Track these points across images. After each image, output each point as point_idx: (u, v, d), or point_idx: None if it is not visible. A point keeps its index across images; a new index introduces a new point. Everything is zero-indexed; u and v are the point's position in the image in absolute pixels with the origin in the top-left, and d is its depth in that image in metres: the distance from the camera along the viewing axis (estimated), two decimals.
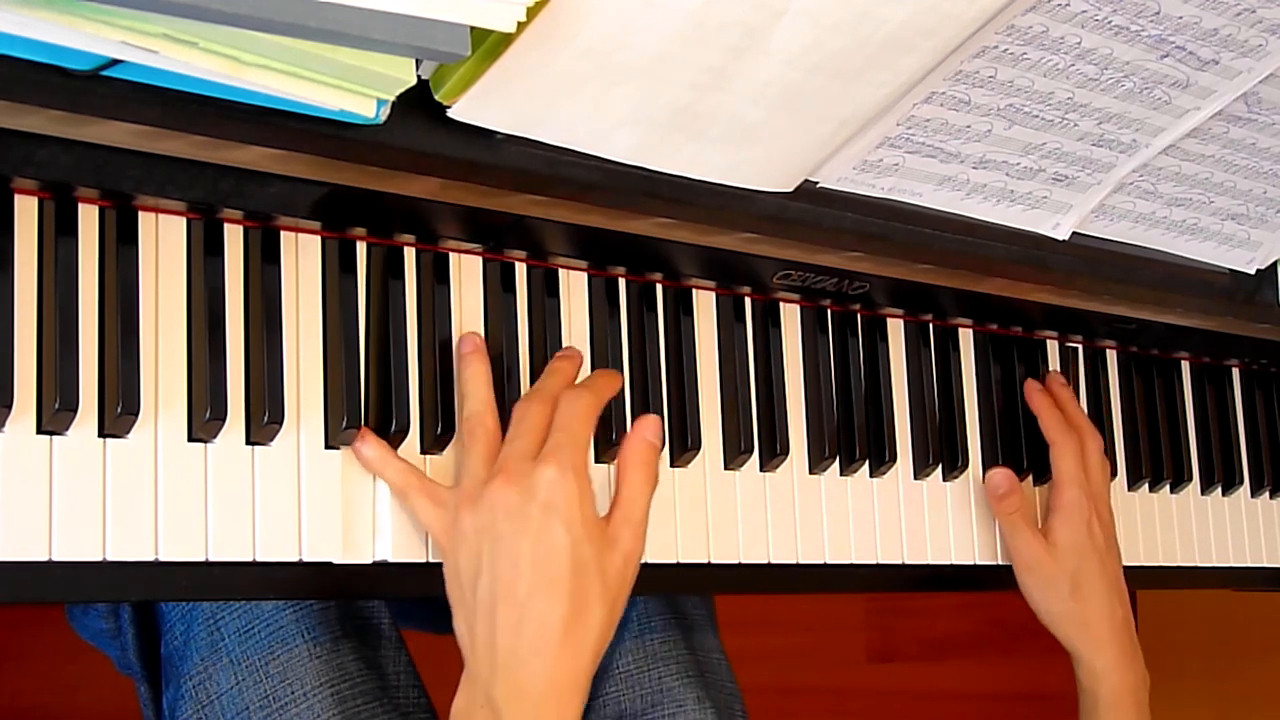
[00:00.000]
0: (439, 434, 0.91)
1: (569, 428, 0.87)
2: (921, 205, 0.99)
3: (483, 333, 0.95)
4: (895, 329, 1.17)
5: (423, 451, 0.91)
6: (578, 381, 0.93)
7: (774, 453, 1.06)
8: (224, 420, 0.84)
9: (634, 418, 1.00)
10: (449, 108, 0.78)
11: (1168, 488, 1.32)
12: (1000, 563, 1.17)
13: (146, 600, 1.01)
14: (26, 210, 0.80)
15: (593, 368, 0.99)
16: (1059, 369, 1.26)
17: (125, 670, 1.05)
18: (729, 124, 0.85)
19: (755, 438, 1.06)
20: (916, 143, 0.93)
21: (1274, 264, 1.20)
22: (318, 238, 0.90)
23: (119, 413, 0.80)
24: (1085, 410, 1.26)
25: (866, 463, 1.12)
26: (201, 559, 0.83)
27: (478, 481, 0.86)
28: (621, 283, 1.02)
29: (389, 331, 0.91)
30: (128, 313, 0.82)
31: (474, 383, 0.91)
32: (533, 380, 0.96)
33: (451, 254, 0.95)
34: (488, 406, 0.90)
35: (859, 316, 1.14)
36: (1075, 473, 1.15)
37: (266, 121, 0.73)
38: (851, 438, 1.11)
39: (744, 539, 1.04)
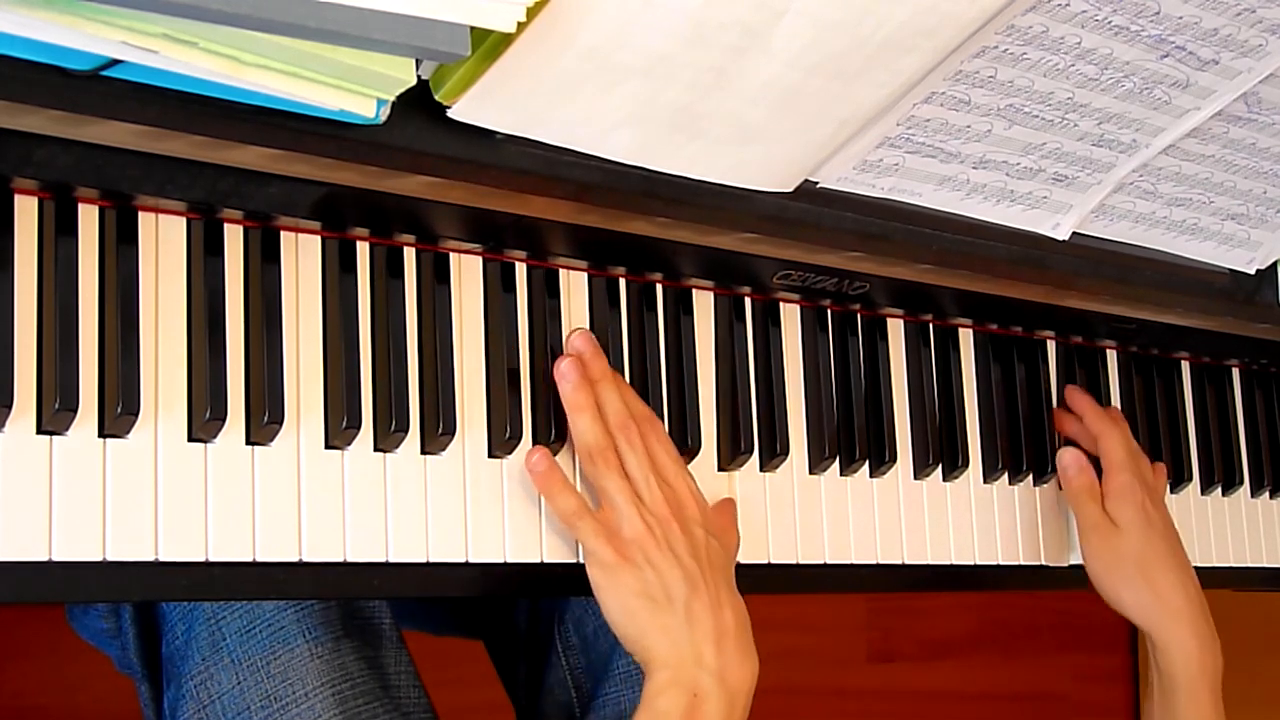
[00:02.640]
0: (439, 434, 0.91)
1: (686, 491, 0.97)
2: (921, 205, 0.99)
3: (483, 333, 0.95)
4: (895, 329, 1.17)
5: (423, 452, 0.91)
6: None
7: (774, 453, 1.06)
8: (224, 420, 0.84)
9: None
10: (449, 108, 0.78)
11: (1168, 488, 1.32)
12: (1000, 563, 1.17)
13: (147, 600, 1.01)
14: (26, 210, 0.80)
15: None
16: (1059, 369, 1.26)
17: (125, 670, 1.05)
18: (729, 124, 0.85)
19: (755, 438, 1.06)
20: (916, 143, 0.93)
21: (1274, 264, 1.20)
22: (318, 238, 0.90)
23: (119, 413, 0.80)
24: None
25: (866, 463, 1.12)
26: (201, 559, 0.83)
27: (637, 514, 0.93)
28: (621, 283, 1.02)
29: (389, 331, 0.91)
30: (128, 313, 0.82)
31: (586, 412, 0.95)
32: (533, 381, 0.96)
33: (451, 254, 0.95)
34: (606, 436, 0.95)
35: (859, 316, 1.14)
36: (1124, 458, 1.18)
37: (266, 121, 0.73)
38: (851, 438, 1.11)
39: (745, 539, 1.04)
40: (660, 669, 0.91)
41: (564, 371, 0.95)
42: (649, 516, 0.93)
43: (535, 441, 0.96)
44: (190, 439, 0.84)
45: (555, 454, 0.96)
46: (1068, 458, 1.19)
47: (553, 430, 0.96)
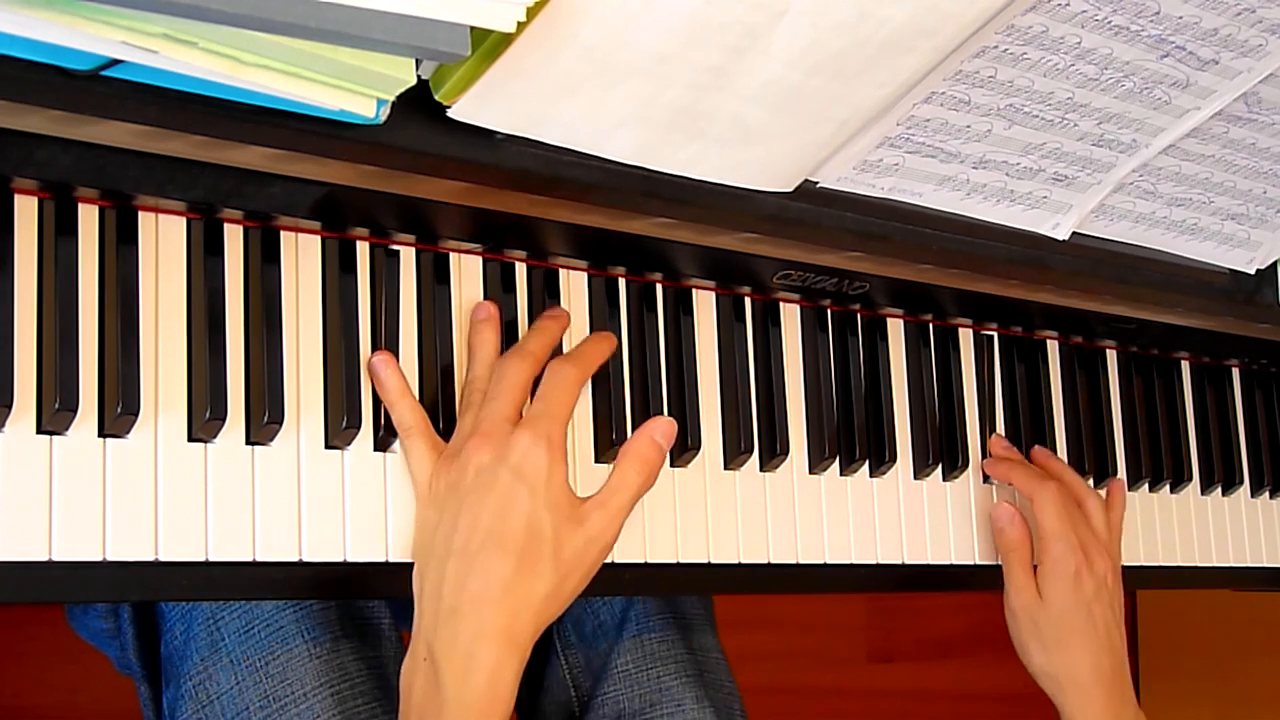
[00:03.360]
0: (439, 433, 0.91)
1: (551, 397, 0.88)
2: (921, 205, 0.99)
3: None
4: (895, 329, 1.17)
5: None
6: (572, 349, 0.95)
7: (774, 453, 1.06)
8: (224, 420, 0.84)
9: (634, 418, 1.00)
10: (449, 108, 0.78)
11: (1168, 488, 1.32)
12: (999, 563, 1.17)
13: (146, 600, 1.01)
14: (26, 210, 0.80)
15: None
16: (1059, 369, 1.26)
17: (125, 670, 1.05)
18: (729, 124, 0.85)
19: (755, 438, 1.06)
20: (916, 143, 0.93)
21: (1274, 264, 1.20)
22: (318, 238, 0.90)
23: (119, 413, 0.80)
24: (1088, 413, 1.26)
25: (866, 463, 1.12)
26: (201, 559, 0.83)
27: (460, 439, 0.87)
28: (621, 283, 1.02)
29: (389, 331, 0.91)
30: (128, 313, 0.82)
31: (481, 349, 0.92)
32: (533, 381, 0.96)
33: (451, 254, 0.95)
34: (490, 372, 0.91)
35: (859, 316, 1.14)
36: (1057, 527, 1.11)
37: (266, 121, 0.73)
38: (851, 438, 1.11)
39: (744, 539, 1.04)
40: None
41: (476, 312, 0.93)
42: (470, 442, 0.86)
43: None
44: (190, 439, 0.84)
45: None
46: (999, 511, 1.13)
47: None
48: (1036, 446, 1.22)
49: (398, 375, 0.89)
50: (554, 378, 0.90)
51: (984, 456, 1.19)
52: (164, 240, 0.85)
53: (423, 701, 0.82)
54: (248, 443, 0.86)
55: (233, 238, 0.87)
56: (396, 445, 0.90)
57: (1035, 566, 1.13)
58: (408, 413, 0.89)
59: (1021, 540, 1.13)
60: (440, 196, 0.87)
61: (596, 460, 0.98)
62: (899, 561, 1.12)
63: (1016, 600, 1.12)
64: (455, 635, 0.81)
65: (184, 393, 0.84)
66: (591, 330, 1.00)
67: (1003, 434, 1.21)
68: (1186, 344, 1.34)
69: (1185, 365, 1.37)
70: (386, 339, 0.91)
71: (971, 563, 1.16)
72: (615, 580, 0.98)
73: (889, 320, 1.16)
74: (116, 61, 0.67)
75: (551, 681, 1.17)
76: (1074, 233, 1.06)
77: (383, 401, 0.89)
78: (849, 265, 1.05)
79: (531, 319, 0.98)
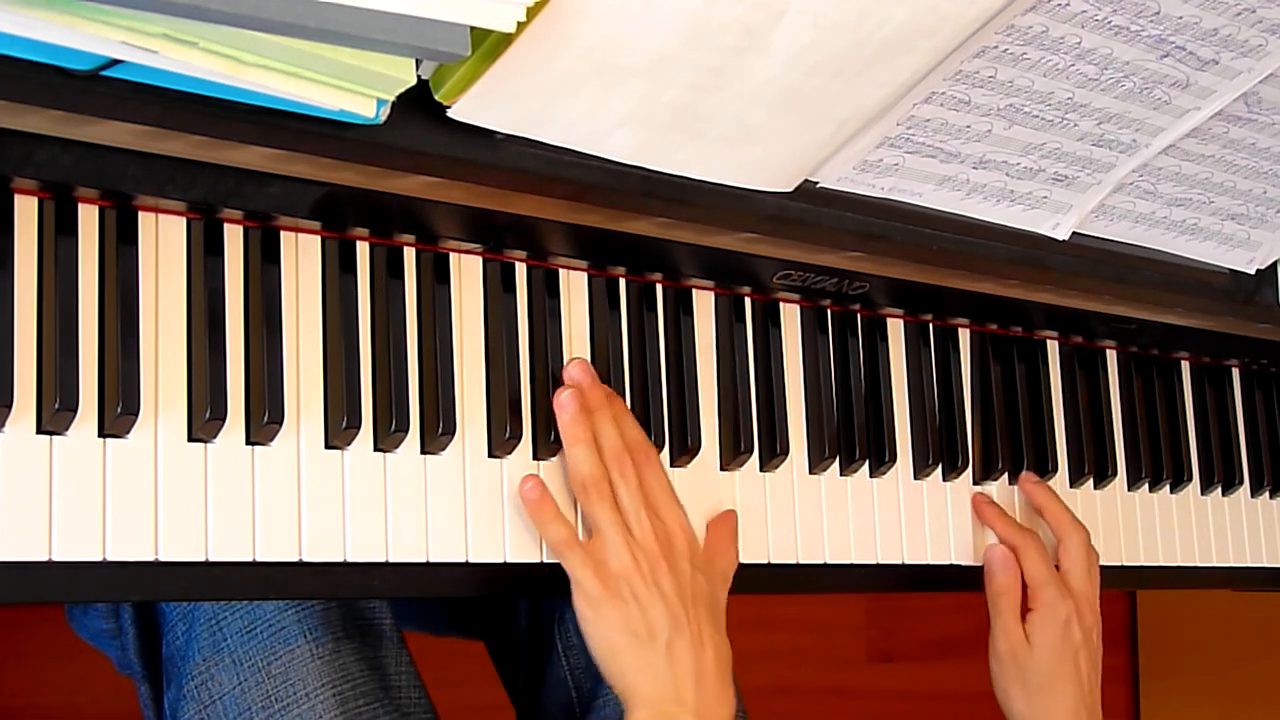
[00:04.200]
0: (439, 434, 0.91)
1: (677, 525, 0.97)
2: (921, 205, 0.99)
3: (483, 333, 0.95)
4: (895, 329, 1.17)
5: (423, 452, 0.91)
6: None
7: (774, 453, 1.06)
8: (224, 420, 0.84)
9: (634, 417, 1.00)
10: (449, 108, 0.78)
11: (1168, 488, 1.32)
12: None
13: (146, 600, 1.01)
14: (26, 210, 0.80)
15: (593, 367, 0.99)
16: (1059, 369, 1.26)
17: (125, 670, 1.05)
18: (729, 124, 0.85)
19: (755, 438, 1.06)
20: (916, 143, 0.93)
21: (1274, 264, 1.20)
22: (318, 238, 0.90)
23: (119, 413, 0.80)
24: (1088, 413, 1.26)
25: (866, 463, 1.12)
26: (201, 559, 0.83)
27: (628, 550, 0.94)
28: (621, 283, 1.02)
29: (389, 331, 0.91)
30: (128, 313, 0.82)
31: (582, 436, 0.95)
32: (533, 379, 0.96)
33: (451, 254, 0.95)
34: (600, 467, 0.95)
35: (859, 316, 1.14)
36: (1045, 574, 1.13)
37: (266, 121, 0.73)
38: (851, 438, 1.11)
39: (744, 539, 1.04)
40: (640, 706, 0.93)
41: (563, 403, 0.95)
42: (637, 551, 0.94)
43: (535, 442, 0.96)
44: (190, 439, 0.84)
45: (553, 456, 0.96)
46: (991, 554, 1.14)
47: (552, 432, 0.96)
48: (1025, 475, 1.21)
49: (544, 494, 0.94)
50: (671, 517, 0.97)
51: (984, 456, 1.19)
52: (164, 240, 0.85)
53: None
54: (248, 443, 0.86)
55: (233, 238, 0.87)
56: (398, 446, 0.90)
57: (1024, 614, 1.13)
58: (560, 532, 0.94)
59: (1013, 585, 1.13)
60: (440, 196, 0.87)
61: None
62: (899, 561, 1.12)
63: (1004, 644, 1.13)
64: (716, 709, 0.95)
65: (184, 393, 0.84)
66: (592, 330, 1.00)
67: (1000, 434, 1.21)
68: (1186, 344, 1.34)
69: (1185, 365, 1.37)
70: (387, 339, 0.91)
71: (972, 563, 1.16)
72: None
73: (889, 320, 1.16)
74: (116, 61, 0.67)
75: (552, 682, 1.17)
76: (1074, 233, 1.06)
77: (533, 521, 0.94)
78: (849, 265, 1.05)
79: (532, 319, 0.97)
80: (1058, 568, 1.15)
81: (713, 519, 1.02)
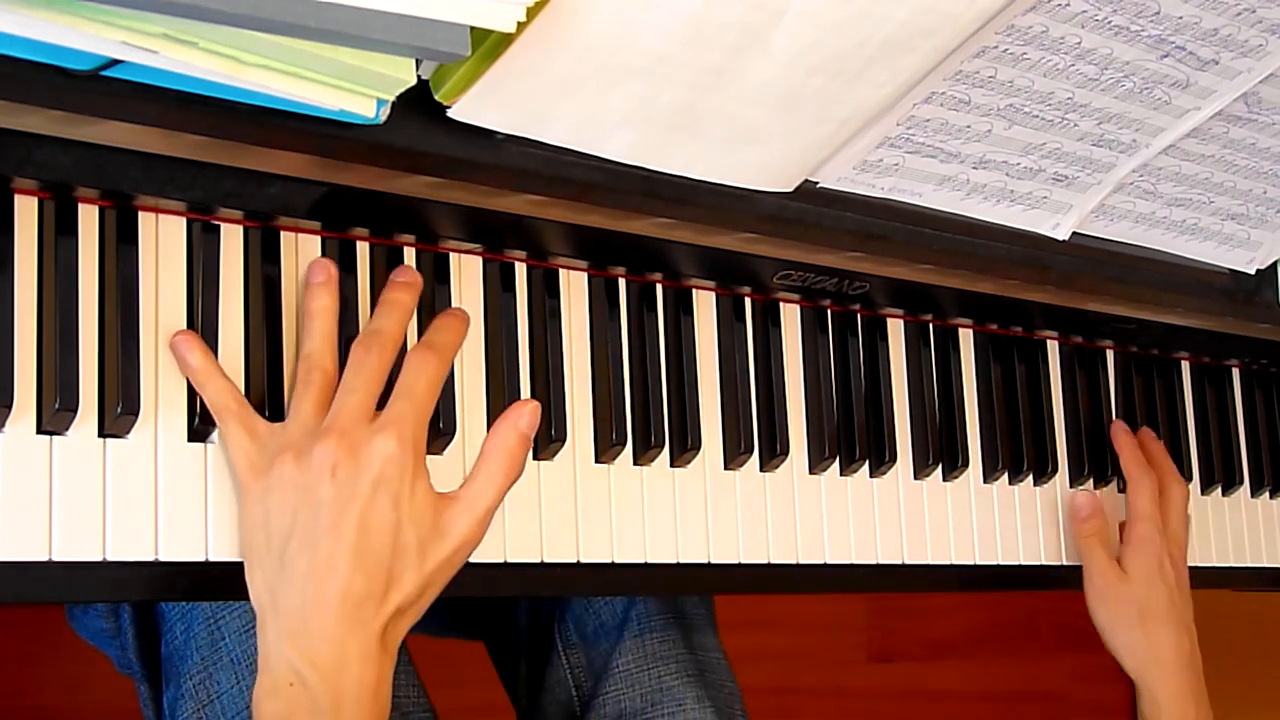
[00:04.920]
0: (440, 434, 0.91)
1: (414, 393, 0.82)
2: (921, 205, 0.99)
3: (482, 333, 0.95)
4: (895, 329, 1.17)
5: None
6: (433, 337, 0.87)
7: (774, 453, 1.06)
8: None
9: (634, 417, 1.00)
10: (449, 108, 0.78)
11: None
12: (1000, 562, 1.18)
13: (146, 600, 1.01)
14: (26, 210, 0.80)
15: (592, 369, 0.99)
16: (1059, 369, 1.26)
17: (125, 670, 1.05)
18: (729, 124, 0.85)
19: (755, 438, 1.06)
20: (916, 143, 0.93)
21: (1274, 264, 1.20)
22: (318, 238, 0.90)
23: (119, 413, 0.80)
24: (1088, 413, 1.26)
25: (866, 463, 1.12)
26: (201, 559, 0.83)
27: (307, 431, 0.80)
28: (621, 283, 1.02)
29: None
30: (128, 313, 0.82)
31: (320, 318, 0.85)
32: (533, 381, 0.96)
33: (451, 254, 0.95)
34: (329, 345, 0.84)
35: (859, 316, 1.14)
36: (1149, 510, 1.19)
37: (266, 121, 0.73)
38: (851, 438, 1.11)
39: (744, 539, 1.04)
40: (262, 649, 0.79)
41: (313, 270, 0.85)
42: (317, 423, 0.80)
43: (535, 442, 0.96)
44: (190, 439, 0.84)
45: (553, 457, 0.96)
46: (1080, 499, 1.20)
47: (551, 429, 0.96)
48: (1145, 429, 1.27)
49: (203, 352, 0.82)
50: (415, 370, 0.82)
51: (984, 456, 1.19)
52: (164, 240, 0.85)
53: None
54: None
55: (233, 238, 0.87)
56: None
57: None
58: (220, 393, 0.81)
59: (1103, 525, 1.18)
60: (440, 196, 0.87)
61: (597, 461, 0.98)
62: (899, 561, 1.12)
63: (1101, 579, 1.17)
64: (327, 656, 0.76)
65: (184, 393, 0.84)
66: (592, 330, 1.00)
67: (1000, 434, 1.21)
68: (1186, 344, 1.34)
69: (1185, 365, 1.37)
70: None
71: (971, 563, 1.16)
72: (616, 580, 0.98)
73: (889, 320, 1.16)
74: (116, 61, 0.67)
75: (553, 681, 1.17)
76: (1074, 233, 1.06)
77: (192, 383, 0.82)
78: (849, 265, 1.05)
79: (532, 319, 0.97)
80: None
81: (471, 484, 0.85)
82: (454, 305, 0.94)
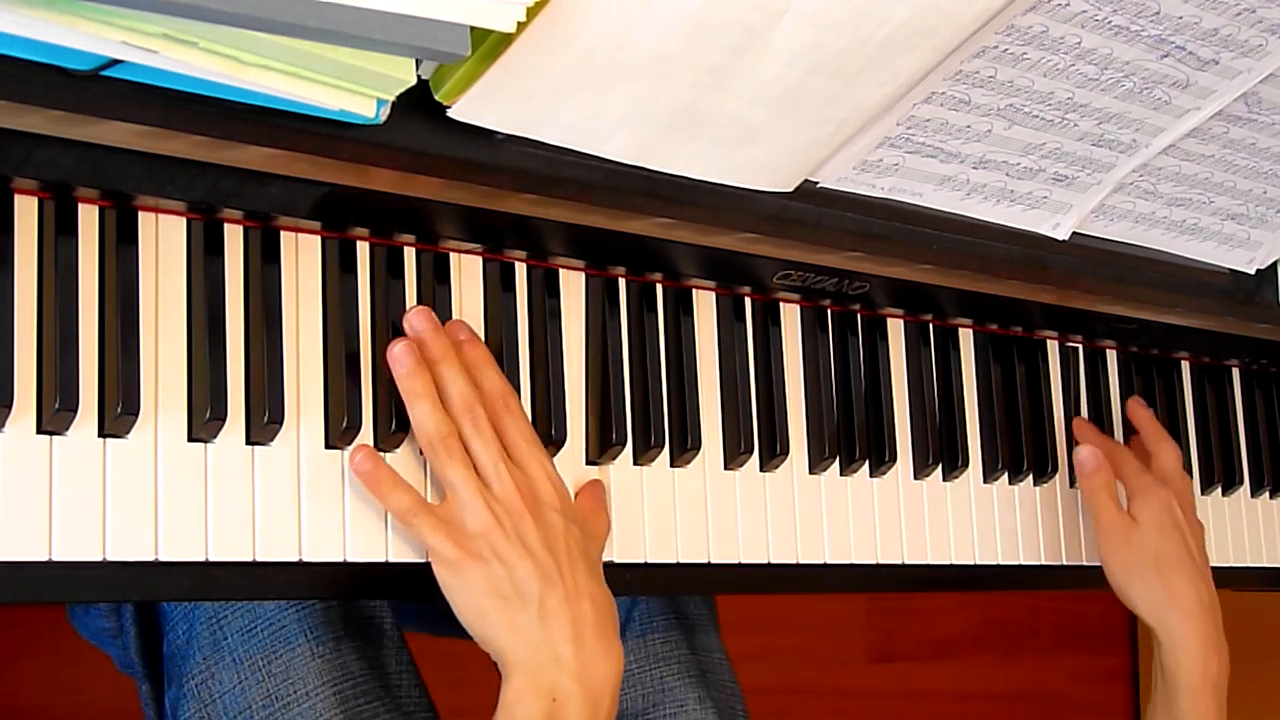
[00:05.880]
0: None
1: (542, 475, 0.90)
2: (921, 205, 0.99)
3: (483, 333, 0.95)
4: (895, 329, 1.17)
5: (422, 452, 0.91)
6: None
7: (774, 453, 1.06)
8: (224, 420, 0.84)
9: (634, 418, 1.00)
10: (449, 108, 0.78)
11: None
12: (1000, 563, 1.18)
13: (147, 600, 1.01)
14: (26, 210, 0.80)
15: (592, 368, 0.99)
16: (1059, 369, 1.26)
17: (126, 670, 1.05)
18: (729, 124, 0.85)
19: (755, 438, 1.06)
20: (916, 143, 0.93)
21: (1274, 264, 1.20)
22: (318, 238, 0.90)
23: (119, 413, 0.80)
24: (1088, 413, 1.26)
25: (866, 463, 1.12)
26: (201, 559, 0.83)
27: (476, 495, 0.87)
28: (621, 283, 1.02)
29: (389, 331, 0.91)
30: (128, 313, 0.82)
31: (426, 399, 0.88)
32: (533, 380, 0.96)
33: (451, 254, 0.95)
34: (443, 415, 0.89)
35: (859, 316, 1.14)
36: (1138, 468, 1.19)
37: (266, 121, 0.73)
38: (851, 438, 1.11)
39: (744, 539, 1.04)
40: (516, 673, 0.86)
41: (396, 356, 0.88)
42: (496, 506, 0.87)
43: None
44: (190, 439, 0.84)
45: (559, 452, 0.96)
46: (1085, 453, 1.19)
47: (551, 429, 0.96)
48: (1134, 398, 1.29)
49: (374, 462, 0.88)
50: (511, 432, 0.90)
51: (984, 456, 1.19)
52: (164, 240, 0.85)
53: None
54: (248, 443, 0.86)
55: (233, 238, 0.87)
56: (399, 446, 0.90)
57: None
58: (402, 500, 0.88)
59: (1108, 478, 1.18)
60: (440, 196, 0.87)
61: (597, 461, 0.98)
62: (899, 561, 1.12)
63: (1112, 529, 1.16)
64: (583, 689, 0.86)
65: (184, 393, 0.84)
66: (588, 330, 1.00)
67: (1000, 434, 1.21)
68: (1186, 344, 1.34)
69: (1185, 365, 1.37)
70: (387, 339, 0.91)
71: (972, 562, 1.16)
72: (616, 580, 0.98)
73: (889, 320, 1.16)
74: (116, 61, 0.67)
75: None
76: (1074, 233, 1.06)
77: (373, 495, 0.88)
78: (849, 265, 1.05)
79: (532, 319, 0.97)
80: None
81: (580, 487, 0.97)
82: (454, 305, 0.94)
